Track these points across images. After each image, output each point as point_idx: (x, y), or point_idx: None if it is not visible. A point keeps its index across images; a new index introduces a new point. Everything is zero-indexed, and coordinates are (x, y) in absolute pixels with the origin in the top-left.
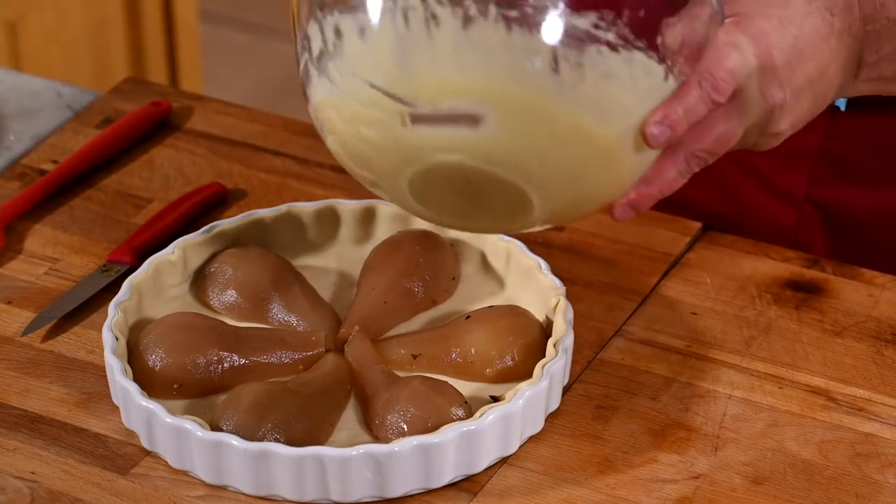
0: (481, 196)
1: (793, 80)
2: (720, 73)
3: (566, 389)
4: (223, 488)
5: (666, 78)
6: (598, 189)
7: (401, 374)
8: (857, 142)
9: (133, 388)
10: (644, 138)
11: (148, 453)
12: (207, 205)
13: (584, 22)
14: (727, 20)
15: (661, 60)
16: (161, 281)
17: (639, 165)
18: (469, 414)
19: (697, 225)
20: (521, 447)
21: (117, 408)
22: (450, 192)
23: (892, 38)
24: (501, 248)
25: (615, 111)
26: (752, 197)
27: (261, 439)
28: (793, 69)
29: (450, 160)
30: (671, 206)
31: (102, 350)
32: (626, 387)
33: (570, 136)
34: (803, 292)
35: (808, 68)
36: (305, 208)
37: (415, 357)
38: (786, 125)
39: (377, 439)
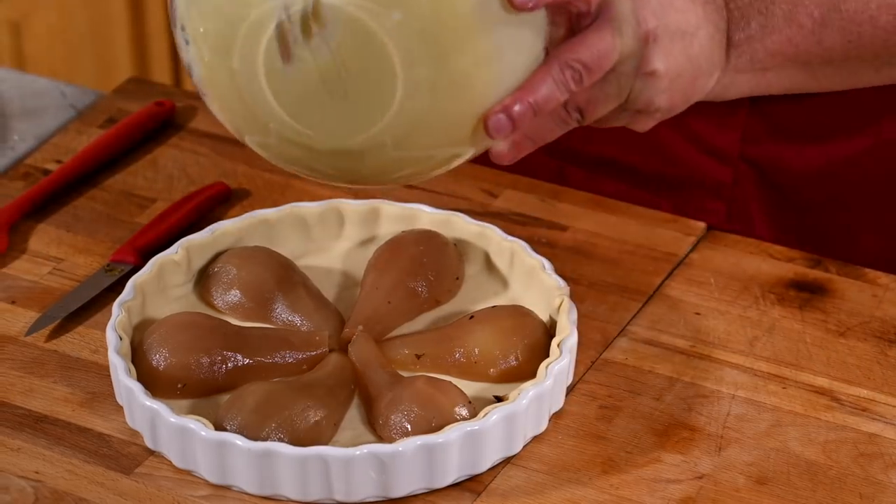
0: (343, 78)
1: (665, 16)
2: None
3: (570, 389)
4: (227, 488)
5: None
6: (461, 69)
7: (404, 374)
8: (788, 98)
9: (137, 388)
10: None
11: (152, 453)
12: (211, 204)
13: None
14: None
15: None
16: (165, 281)
17: (503, 56)
18: (473, 414)
19: (702, 225)
20: (524, 447)
21: (121, 407)
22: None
23: (757, 14)
24: (505, 248)
25: None
26: (688, 156)
27: (264, 439)
28: (664, 8)
29: (303, 4)
30: (602, 165)
31: (106, 350)
32: (629, 387)
33: None
34: (807, 292)
35: (678, 18)
36: (309, 208)
37: (418, 357)
38: (660, 64)
39: (381, 439)
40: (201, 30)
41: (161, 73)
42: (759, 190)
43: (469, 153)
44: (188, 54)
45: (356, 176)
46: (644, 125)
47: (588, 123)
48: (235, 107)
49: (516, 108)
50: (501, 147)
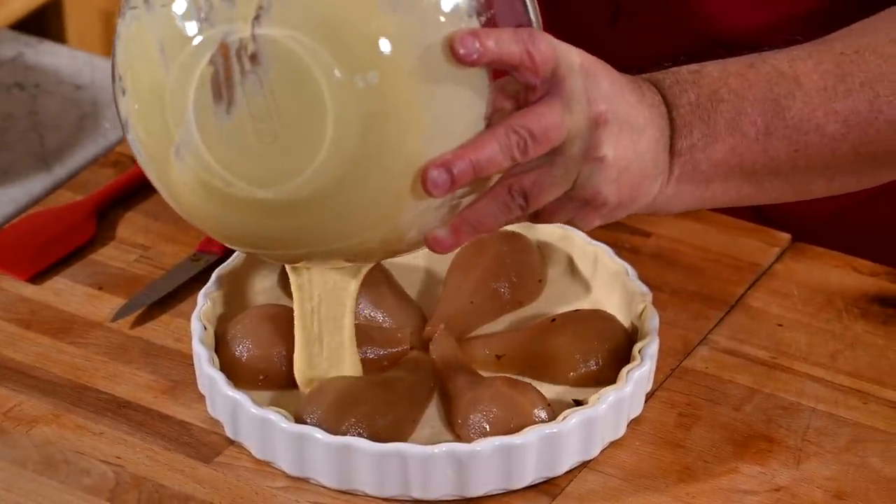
0: (273, 118)
1: (615, 104)
2: (539, 35)
3: (649, 396)
4: (305, 480)
5: (471, 15)
6: (395, 113)
7: (484, 374)
8: None
9: (219, 378)
10: (452, 50)
11: (232, 443)
12: None
13: None
14: None
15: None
16: (250, 272)
17: (441, 107)
18: (551, 416)
19: (786, 236)
20: (602, 452)
21: (203, 396)
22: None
23: (700, 123)
24: (589, 252)
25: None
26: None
27: (344, 433)
28: (615, 96)
29: (239, 37)
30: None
31: (190, 338)
32: (709, 396)
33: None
34: (891, 308)
35: (628, 110)
36: None
37: (499, 358)
38: (609, 150)
39: (459, 438)
40: (132, 76)
41: None
42: None
43: (405, 230)
44: (124, 106)
45: (288, 244)
46: (589, 221)
47: (531, 211)
48: (165, 159)
49: (457, 164)
50: (440, 232)
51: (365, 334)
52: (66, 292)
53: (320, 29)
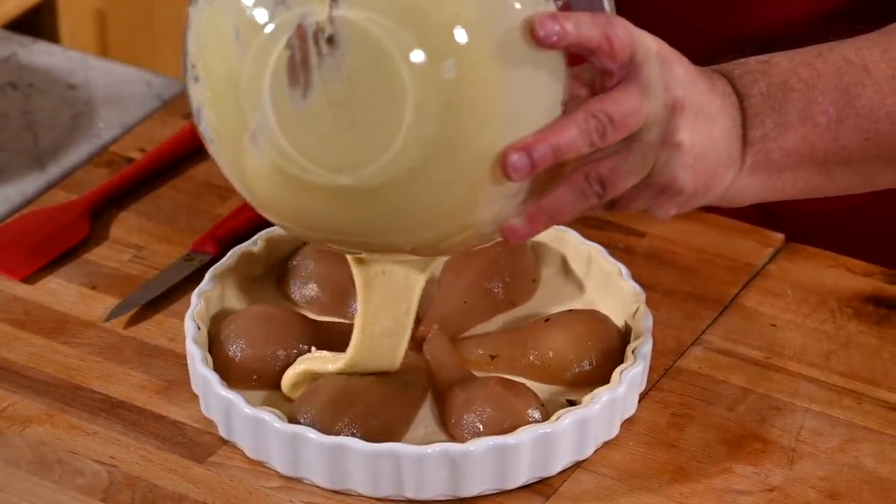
0: (350, 103)
1: (691, 91)
2: (617, 20)
3: (642, 396)
4: (298, 480)
5: None
6: (474, 96)
7: (478, 374)
8: None
9: (213, 378)
10: (532, 32)
11: (225, 442)
12: None
13: None
14: None
15: None
16: (243, 272)
17: (519, 90)
18: (545, 417)
19: (780, 236)
20: (595, 452)
21: (196, 396)
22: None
23: (771, 112)
24: (582, 252)
25: None
26: None
27: (337, 433)
28: (690, 83)
29: (316, 19)
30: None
31: (183, 338)
32: (702, 396)
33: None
34: (885, 308)
35: (702, 98)
36: None
37: (493, 358)
38: (686, 136)
39: (453, 438)
40: (205, 63)
41: None
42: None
43: (478, 220)
44: (196, 94)
45: (366, 233)
46: (665, 209)
47: (608, 199)
48: (239, 150)
49: (537, 147)
50: (515, 221)
51: None
52: (59, 292)
53: (399, 11)
